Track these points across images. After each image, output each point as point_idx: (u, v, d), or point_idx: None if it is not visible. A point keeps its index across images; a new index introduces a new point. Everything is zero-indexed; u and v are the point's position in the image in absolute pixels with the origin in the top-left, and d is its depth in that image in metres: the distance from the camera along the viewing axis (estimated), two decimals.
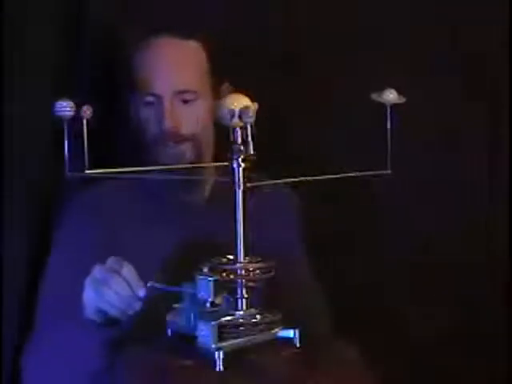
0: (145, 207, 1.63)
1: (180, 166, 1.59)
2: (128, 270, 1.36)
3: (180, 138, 1.59)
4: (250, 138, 1.32)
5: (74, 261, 1.54)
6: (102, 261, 1.40)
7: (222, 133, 1.48)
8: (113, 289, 1.35)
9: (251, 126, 1.32)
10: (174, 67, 1.60)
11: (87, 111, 1.30)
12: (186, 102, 1.60)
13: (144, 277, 1.37)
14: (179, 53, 1.61)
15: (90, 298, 1.38)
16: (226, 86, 1.65)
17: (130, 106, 1.64)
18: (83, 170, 1.28)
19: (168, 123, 1.58)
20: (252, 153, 1.32)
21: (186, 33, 1.61)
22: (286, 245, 1.62)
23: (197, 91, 1.60)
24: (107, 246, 1.54)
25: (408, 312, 1.94)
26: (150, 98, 1.59)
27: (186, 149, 1.60)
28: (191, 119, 1.60)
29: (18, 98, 1.63)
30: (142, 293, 1.35)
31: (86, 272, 1.40)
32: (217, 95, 1.62)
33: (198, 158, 1.61)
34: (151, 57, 1.61)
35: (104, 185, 1.63)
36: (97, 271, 1.37)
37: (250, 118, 1.30)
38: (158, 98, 1.59)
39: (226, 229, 1.42)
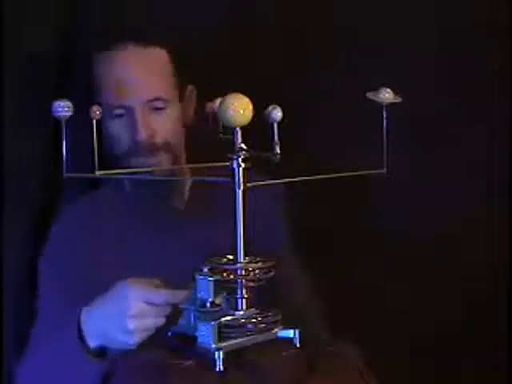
0: (127, 217, 1.61)
1: (180, 166, 1.59)
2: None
3: (155, 148, 1.55)
4: (276, 138, 1.33)
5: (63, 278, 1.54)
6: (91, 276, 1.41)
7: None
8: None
9: (278, 126, 1.33)
10: (142, 76, 1.56)
11: (97, 111, 1.30)
12: (157, 109, 1.56)
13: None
14: (144, 61, 1.57)
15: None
16: (190, 90, 1.63)
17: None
18: (92, 171, 1.28)
19: (142, 134, 1.54)
20: (278, 152, 1.33)
21: (148, 40, 1.57)
22: (273, 243, 1.61)
23: (167, 98, 1.57)
24: (95, 260, 1.54)
25: (408, 312, 1.94)
26: (120, 111, 1.55)
27: (162, 158, 1.57)
28: (164, 127, 1.57)
29: (16, 97, 1.63)
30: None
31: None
32: (182, 99, 1.60)
33: (174, 164, 1.59)
34: (116, 68, 1.56)
35: (88, 198, 1.62)
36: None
37: (278, 117, 1.32)
38: (129, 109, 1.54)
39: (208, 232, 1.43)
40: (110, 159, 1.52)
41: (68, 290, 1.51)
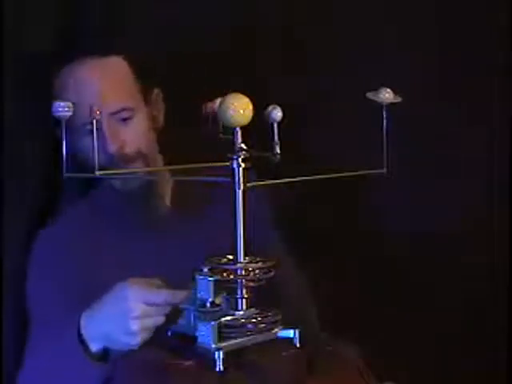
0: (123, 218, 1.60)
1: (180, 167, 1.59)
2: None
3: (127, 158, 1.53)
4: (276, 138, 1.33)
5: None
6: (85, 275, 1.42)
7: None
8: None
9: (278, 126, 1.33)
10: (103, 89, 1.53)
11: (97, 111, 1.30)
12: (124, 120, 1.54)
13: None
14: (103, 72, 1.54)
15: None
16: (156, 93, 1.61)
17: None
18: (92, 171, 1.28)
19: (112, 146, 1.51)
20: (278, 152, 1.33)
21: (104, 50, 1.54)
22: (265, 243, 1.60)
23: (132, 107, 1.55)
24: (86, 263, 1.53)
25: (408, 312, 1.94)
26: (89, 127, 1.44)
27: (136, 166, 1.55)
28: (134, 136, 1.54)
29: (16, 98, 1.63)
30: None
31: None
32: (149, 104, 1.58)
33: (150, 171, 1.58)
34: (75, 84, 1.53)
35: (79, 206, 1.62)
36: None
37: (278, 117, 1.32)
38: (96, 123, 1.47)
39: (207, 232, 1.42)
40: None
41: (67, 291, 1.51)
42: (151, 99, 1.60)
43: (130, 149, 1.54)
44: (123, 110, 1.54)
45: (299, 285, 1.67)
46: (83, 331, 1.35)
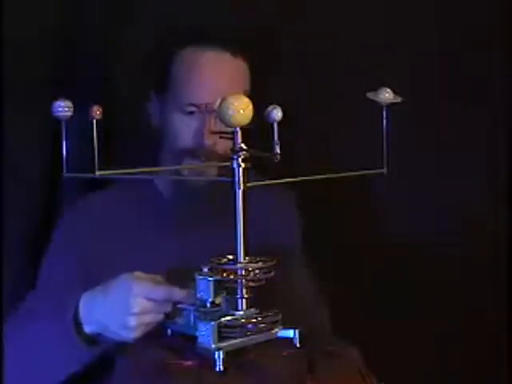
0: (133, 218, 1.62)
1: (181, 167, 1.59)
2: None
3: (212, 155, 1.55)
4: (276, 138, 1.33)
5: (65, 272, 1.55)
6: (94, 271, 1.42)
7: None
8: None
9: (278, 126, 1.33)
10: (225, 82, 1.57)
11: (97, 111, 1.29)
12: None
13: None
14: (228, 69, 1.59)
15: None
16: None
17: (156, 115, 1.63)
18: (93, 171, 1.28)
19: (206, 140, 1.55)
20: (278, 152, 1.33)
21: (235, 50, 1.59)
22: (285, 245, 1.61)
23: None
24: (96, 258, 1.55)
25: (408, 311, 1.94)
26: (191, 108, 1.56)
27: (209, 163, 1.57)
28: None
29: (16, 97, 1.63)
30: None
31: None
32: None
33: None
34: (204, 67, 1.58)
35: (91, 200, 1.63)
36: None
37: (278, 117, 1.32)
38: (200, 110, 1.56)
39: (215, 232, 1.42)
40: (166, 153, 1.59)
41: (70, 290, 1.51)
42: None
43: (220, 147, 1.54)
44: None
45: (311, 285, 1.68)
46: (81, 312, 1.38)
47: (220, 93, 1.42)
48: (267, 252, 1.32)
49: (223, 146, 1.50)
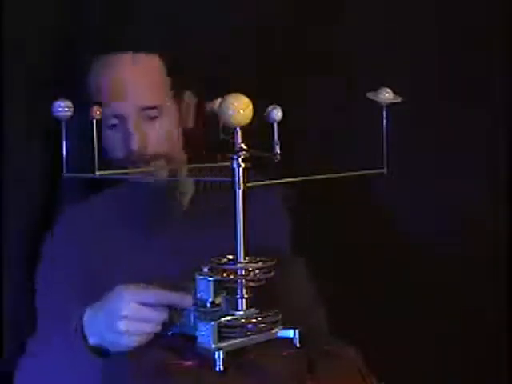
0: (132, 218, 1.61)
1: (180, 167, 1.59)
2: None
3: (147, 158, 1.53)
4: (276, 138, 1.33)
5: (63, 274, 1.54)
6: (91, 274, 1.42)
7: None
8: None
9: (278, 126, 1.32)
10: (135, 84, 1.54)
11: (97, 111, 1.29)
12: (151, 118, 1.54)
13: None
14: (138, 68, 1.55)
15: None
16: (188, 96, 1.62)
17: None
18: (93, 171, 1.28)
19: (135, 143, 1.52)
20: (278, 152, 1.33)
21: (143, 47, 1.56)
22: (279, 245, 1.61)
23: (160, 106, 1.55)
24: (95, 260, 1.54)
25: (408, 311, 1.94)
26: (114, 121, 1.53)
27: (156, 166, 1.55)
28: (158, 137, 1.55)
29: (17, 97, 1.63)
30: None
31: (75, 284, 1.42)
32: (180, 107, 1.59)
33: (174, 175, 1.58)
34: (108, 76, 1.54)
35: (89, 201, 1.62)
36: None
37: (278, 117, 1.31)
38: (122, 119, 1.52)
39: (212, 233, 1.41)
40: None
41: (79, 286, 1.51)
42: (182, 101, 1.60)
43: (152, 149, 1.54)
44: (152, 107, 1.54)
45: (309, 285, 1.68)
46: (84, 325, 1.37)
47: (135, 93, 1.49)
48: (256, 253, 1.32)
49: (154, 146, 1.53)
